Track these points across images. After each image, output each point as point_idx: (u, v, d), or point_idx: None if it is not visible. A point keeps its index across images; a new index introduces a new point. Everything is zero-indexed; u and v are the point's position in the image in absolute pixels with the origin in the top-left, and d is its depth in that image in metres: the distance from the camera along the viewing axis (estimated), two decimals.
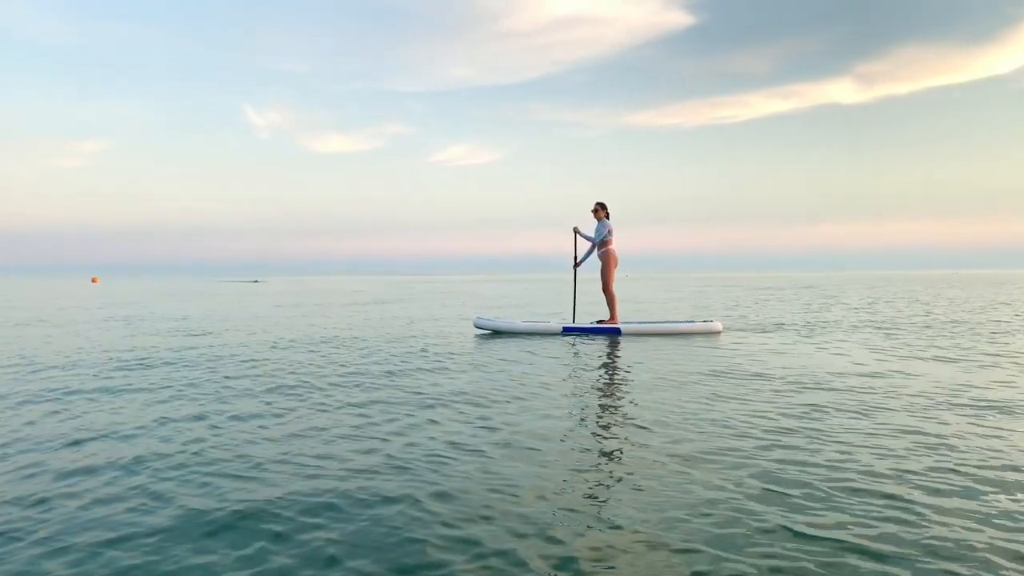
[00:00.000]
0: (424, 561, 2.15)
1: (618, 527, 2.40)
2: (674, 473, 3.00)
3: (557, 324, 9.46)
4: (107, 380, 5.65)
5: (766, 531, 2.35)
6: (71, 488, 2.85)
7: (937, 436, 3.60)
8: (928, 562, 2.10)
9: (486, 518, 2.49)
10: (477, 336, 9.12)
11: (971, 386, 5.08)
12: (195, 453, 3.38)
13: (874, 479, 2.89)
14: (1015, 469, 3.02)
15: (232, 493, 2.78)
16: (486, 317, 9.90)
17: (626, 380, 5.49)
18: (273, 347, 8.03)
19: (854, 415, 4.11)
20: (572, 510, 2.56)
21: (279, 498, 2.71)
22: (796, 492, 2.73)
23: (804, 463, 3.13)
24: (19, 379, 5.74)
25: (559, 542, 2.28)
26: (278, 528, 2.41)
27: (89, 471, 3.09)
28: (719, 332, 9.31)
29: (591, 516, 2.51)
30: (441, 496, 2.72)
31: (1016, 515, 2.47)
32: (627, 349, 7.63)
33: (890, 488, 2.77)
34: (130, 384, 5.44)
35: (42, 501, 2.70)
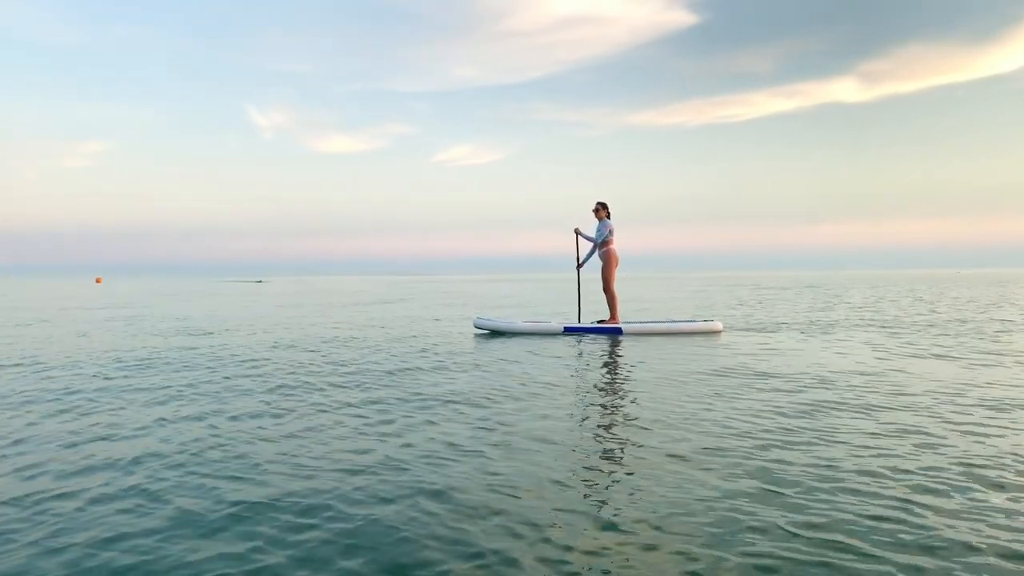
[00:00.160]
0: (422, 561, 2.14)
1: (618, 527, 2.39)
2: (675, 473, 2.98)
3: (558, 324, 9.45)
4: (108, 380, 5.66)
5: (767, 531, 2.34)
6: (69, 488, 2.85)
7: (940, 436, 3.58)
8: (929, 562, 2.09)
9: (485, 518, 2.48)
10: (477, 336, 9.12)
11: (975, 385, 5.06)
12: (193, 453, 3.37)
13: (876, 479, 2.87)
14: (1018, 469, 3.00)
15: (230, 493, 2.77)
16: (486, 317, 9.90)
17: (627, 380, 5.48)
18: (274, 347, 8.03)
19: (856, 414, 4.10)
20: (571, 510, 2.55)
21: (277, 498, 2.71)
22: (797, 492, 2.72)
23: (805, 463, 3.11)
24: (20, 379, 5.75)
25: (559, 542, 2.27)
26: (276, 528, 2.40)
27: (87, 471, 3.09)
28: (720, 331, 9.32)
29: (591, 516, 2.50)
30: (440, 496, 2.71)
31: (1019, 515, 2.46)
32: (628, 349, 7.62)
33: (892, 488, 2.76)
34: (131, 384, 5.45)
35: (39, 501, 2.70)
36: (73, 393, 5.06)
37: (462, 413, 4.26)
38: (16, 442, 3.63)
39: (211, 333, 9.97)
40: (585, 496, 2.71)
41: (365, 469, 3.09)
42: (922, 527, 2.36)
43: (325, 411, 4.35)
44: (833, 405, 4.37)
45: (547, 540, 2.29)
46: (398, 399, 4.73)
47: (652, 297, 21.26)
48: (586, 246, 10.01)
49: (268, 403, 4.62)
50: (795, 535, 2.30)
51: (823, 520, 2.43)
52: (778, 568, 2.06)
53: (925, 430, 3.70)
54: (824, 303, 16.85)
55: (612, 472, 3.01)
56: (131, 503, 2.67)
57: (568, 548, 2.23)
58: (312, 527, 2.41)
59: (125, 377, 5.83)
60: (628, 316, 12.47)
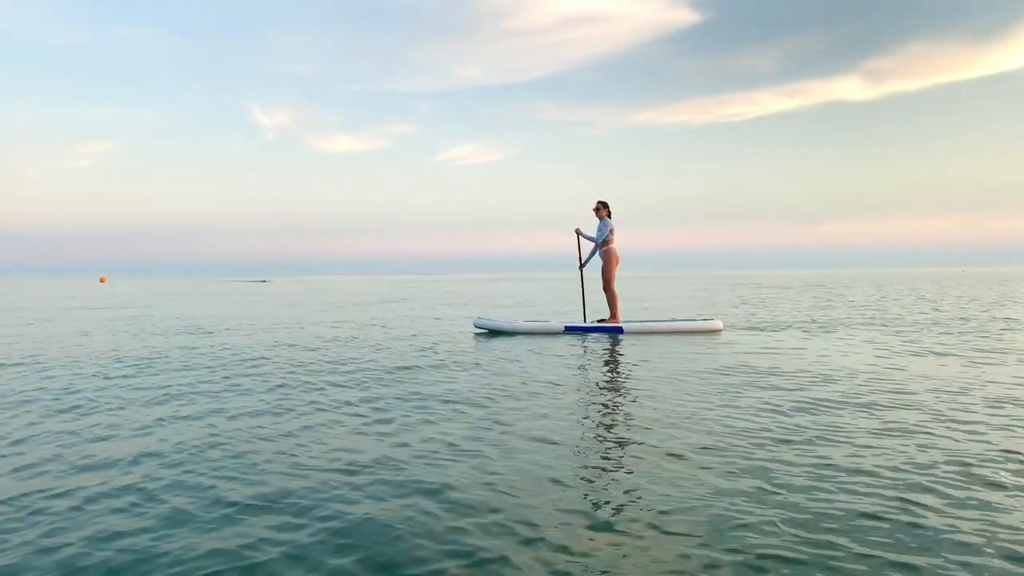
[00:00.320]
0: (419, 560, 2.13)
1: (618, 526, 2.38)
2: (674, 472, 2.98)
3: (559, 323, 9.45)
4: (108, 380, 5.67)
5: (767, 530, 2.33)
6: (65, 486, 2.85)
7: (940, 434, 3.57)
8: (929, 561, 2.08)
9: (483, 517, 2.48)
10: (478, 336, 9.12)
11: (977, 383, 5.04)
12: (191, 452, 3.37)
13: (876, 478, 2.86)
14: (1018, 469, 2.99)
15: (227, 492, 2.77)
16: (486, 317, 9.89)
17: (628, 379, 5.48)
18: (275, 346, 8.04)
19: (857, 413, 4.08)
20: (571, 509, 2.55)
21: (274, 497, 2.71)
22: (797, 491, 2.71)
23: (806, 462, 3.10)
24: (21, 378, 5.76)
25: (558, 541, 2.26)
26: (272, 526, 2.40)
27: (85, 469, 3.09)
28: (720, 330, 9.33)
29: (590, 515, 2.49)
30: (437, 495, 2.71)
31: (1019, 513, 2.45)
32: (629, 348, 7.61)
33: (892, 487, 2.75)
34: (131, 384, 5.45)
35: (37, 499, 2.70)
36: (73, 392, 5.07)
37: (462, 412, 4.25)
38: (15, 441, 3.63)
39: (213, 333, 9.99)
40: (585, 495, 2.70)
41: (363, 468, 3.09)
42: (922, 526, 2.35)
43: (324, 410, 4.36)
44: (834, 403, 4.36)
45: (546, 539, 2.28)
46: (397, 398, 4.73)
47: (654, 296, 21.24)
48: (588, 246, 10.00)
49: (267, 402, 4.62)
50: (795, 534, 2.29)
51: (823, 519, 2.42)
52: (778, 567, 2.06)
53: (926, 429, 3.69)
54: (826, 302, 16.81)
55: (612, 471, 3.01)
56: (128, 501, 2.67)
57: (567, 547, 2.22)
58: (309, 526, 2.41)
59: (125, 376, 5.83)
60: (630, 315, 12.46)
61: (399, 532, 2.35)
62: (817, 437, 3.53)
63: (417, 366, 6.30)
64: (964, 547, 2.18)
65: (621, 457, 3.22)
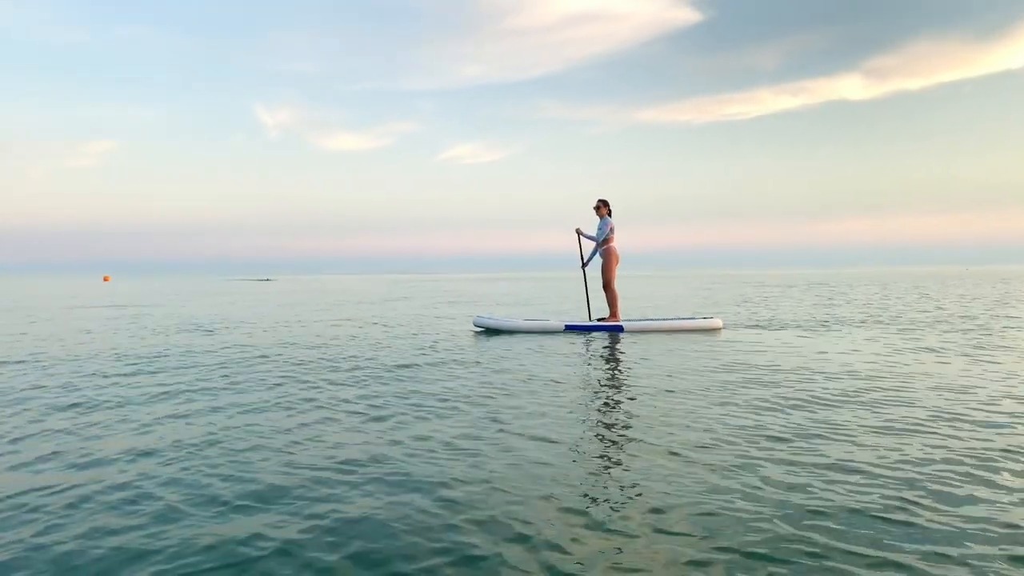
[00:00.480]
0: (415, 557, 2.14)
1: (615, 525, 2.38)
2: (674, 471, 2.98)
3: (559, 322, 9.45)
4: (106, 378, 5.68)
5: (765, 528, 2.33)
6: (61, 485, 2.86)
7: (941, 432, 3.56)
8: (926, 560, 2.08)
9: (480, 515, 2.48)
10: (478, 335, 9.12)
11: (981, 381, 5.03)
12: (188, 450, 3.38)
13: (875, 476, 2.86)
14: (1017, 469, 2.99)
15: (222, 490, 2.78)
16: (486, 315, 9.88)
17: (628, 378, 5.47)
18: (276, 345, 8.05)
19: (858, 411, 4.08)
20: (568, 508, 2.55)
21: (269, 496, 2.71)
22: (795, 489, 2.71)
23: (805, 461, 3.10)
24: (21, 376, 5.78)
25: (555, 540, 2.26)
26: (266, 525, 2.40)
27: (82, 468, 3.10)
28: (720, 329, 9.33)
29: (588, 513, 2.49)
30: (434, 494, 2.71)
31: (1020, 512, 2.44)
32: (629, 347, 7.61)
33: (891, 485, 2.74)
34: (131, 381, 5.47)
35: (31, 497, 2.71)
36: (73, 390, 5.08)
37: (460, 410, 4.26)
38: (13, 440, 3.64)
39: (214, 331, 10.00)
40: (583, 494, 2.70)
41: (360, 466, 3.09)
42: (923, 525, 2.35)
43: (322, 408, 4.36)
44: (833, 401, 4.36)
45: (543, 537, 2.28)
46: (395, 396, 4.74)
47: (657, 295, 21.22)
48: (589, 246, 9.97)
49: (266, 400, 4.63)
50: (793, 532, 2.29)
51: (821, 516, 2.42)
52: (775, 564, 2.06)
53: (927, 426, 3.68)
54: (828, 300, 16.78)
55: (610, 469, 3.01)
56: (122, 498, 2.67)
57: (564, 545, 2.22)
58: (304, 523, 2.41)
59: (125, 375, 5.85)
60: (631, 314, 12.45)
61: (394, 529, 2.36)
62: (816, 435, 3.53)
63: (416, 364, 6.31)
64: (965, 545, 2.18)
65: (620, 455, 3.22)
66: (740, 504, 2.54)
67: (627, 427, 3.77)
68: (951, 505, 2.52)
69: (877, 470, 2.94)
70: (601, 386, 5.09)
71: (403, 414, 4.16)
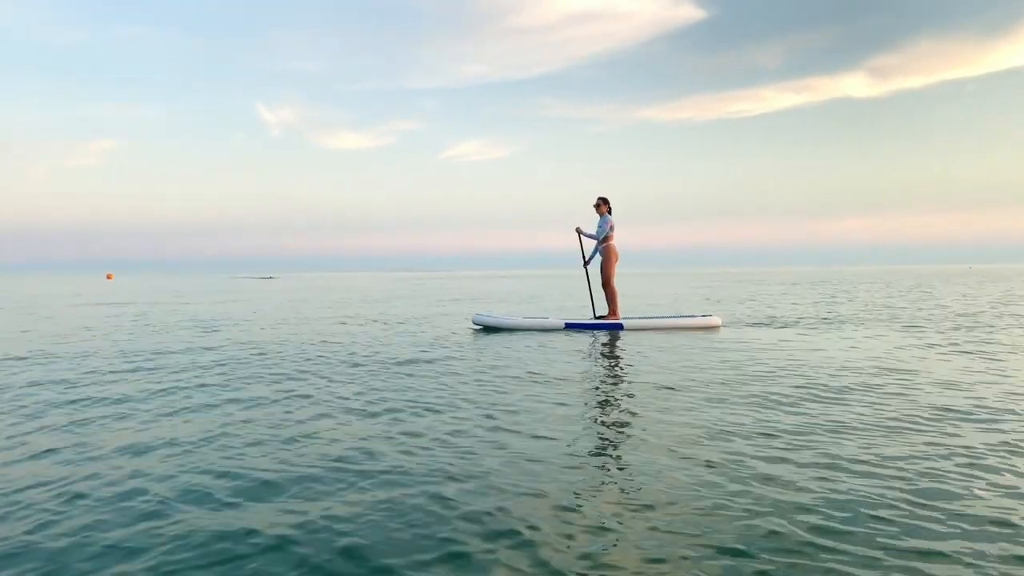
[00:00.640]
0: (407, 554, 2.14)
1: (612, 523, 2.39)
2: (674, 469, 2.98)
3: (559, 320, 9.45)
4: (104, 374, 5.69)
5: (761, 523, 2.33)
6: (57, 480, 2.87)
7: (946, 431, 3.56)
8: (931, 559, 2.08)
9: (474, 511, 2.48)
10: (478, 332, 9.12)
11: (983, 378, 5.03)
12: (186, 448, 3.39)
13: (876, 475, 2.86)
14: (1017, 470, 2.99)
15: (217, 490, 2.79)
16: (485, 313, 9.87)
17: (628, 375, 5.48)
18: (277, 342, 8.06)
19: (856, 407, 4.07)
20: (566, 506, 2.54)
21: (262, 492, 2.72)
22: (794, 486, 2.71)
23: (803, 458, 3.10)
24: (23, 372, 5.80)
25: (551, 536, 2.26)
26: (260, 521, 2.41)
27: (80, 463, 3.11)
28: (718, 327, 9.35)
29: (585, 512, 2.49)
30: (429, 491, 2.72)
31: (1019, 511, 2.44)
32: (629, 344, 7.62)
33: (890, 481, 2.74)
34: (130, 378, 5.48)
35: (28, 493, 2.73)
36: (72, 387, 5.09)
37: (457, 408, 4.26)
38: (10, 436, 3.66)
39: (217, 329, 10.02)
40: (580, 491, 2.70)
41: (355, 462, 3.10)
42: (919, 523, 2.35)
43: (318, 404, 4.37)
44: (830, 398, 4.35)
45: (538, 533, 2.28)
46: (393, 393, 4.74)
47: (658, 293, 21.21)
48: (590, 244, 9.96)
49: (263, 396, 4.64)
50: (790, 527, 2.29)
51: (818, 513, 2.42)
52: (773, 561, 2.06)
53: (925, 423, 3.68)
54: (830, 298, 16.76)
55: (607, 466, 3.01)
56: (117, 493, 2.69)
57: (560, 541, 2.22)
58: (297, 521, 2.42)
59: (123, 371, 5.86)
60: (633, 312, 12.45)
61: (388, 526, 2.36)
62: (814, 431, 3.53)
63: (414, 362, 6.32)
64: (964, 542, 2.18)
65: (617, 451, 3.22)
66: (738, 500, 2.55)
67: (624, 424, 3.77)
68: (951, 502, 2.52)
69: (876, 467, 2.94)
70: (600, 383, 5.09)
71: (399, 411, 4.17)
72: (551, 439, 3.47)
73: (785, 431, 3.57)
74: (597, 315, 9.91)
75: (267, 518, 2.43)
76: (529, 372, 5.64)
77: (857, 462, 3.01)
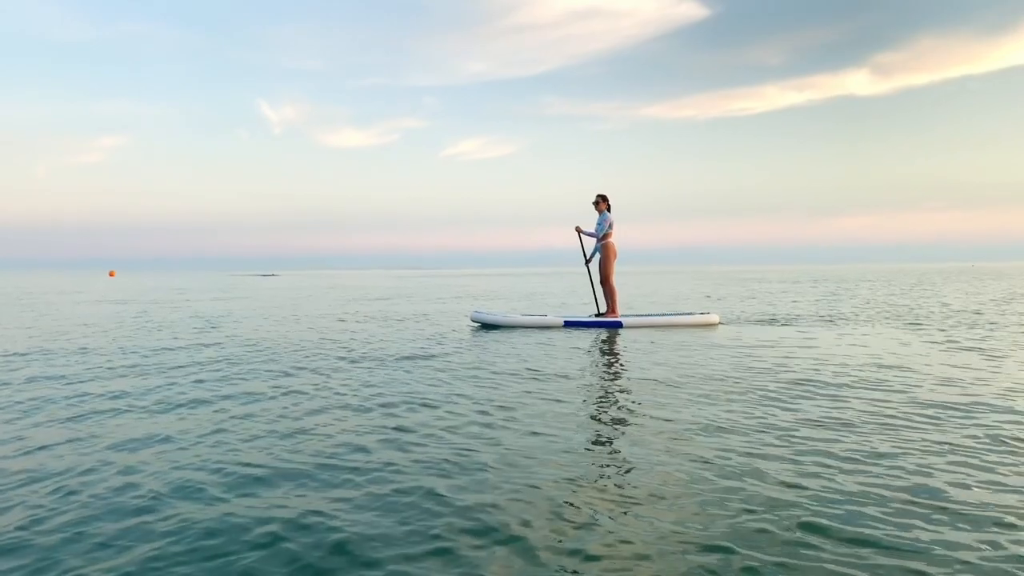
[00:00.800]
0: (398, 549, 2.15)
1: (606, 521, 2.39)
2: (671, 465, 2.98)
3: (558, 317, 9.45)
4: (106, 369, 5.71)
5: (762, 522, 2.33)
6: (83, 478, 2.88)
7: (945, 429, 3.55)
8: (929, 557, 2.08)
9: (468, 507, 2.48)
10: (476, 330, 9.12)
11: (986, 377, 5.01)
12: (204, 446, 3.40)
13: (873, 471, 2.86)
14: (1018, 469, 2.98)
15: (243, 485, 2.79)
16: (484, 311, 9.87)
17: (625, 373, 5.48)
18: (277, 338, 8.07)
19: (854, 404, 4.06)
20: (564, 503, 2.54)
21: (253, 490, 2.72)
22: (790, 482, 2.71)
23: (799, 454, 3.10)
24: (24, 369, 5.81)
25: (547, 535, 2.26)
26: (252, 519, 2.41)
27: (102, 462, 3.12)
28: (716, 324, 9.38)
29: (580, 509, 2.49)
30: (421, 488, 2.72)
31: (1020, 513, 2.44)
32: (628, 342, 7.61)
33: (893, 478, 2.74)
34: (131, 373, 5.49)
35: (23, 490, 2.73)
36: (70, 384, 5.10)
37: (452, 405, 4.26)
38: (7, 432, 3.67)
39: (215, 325, 10.04)
40: (575, 488, 2.70)
41: (347, 458, 3.10)
42: (916, 519, 2.35)
43: (313, 399, 4.37)
44: (826, 393, 4.34)
45: (532, 531, 2.28)
46: (388, 389, 4.74)
47: (660, 291, 21.20)
48: (590, 242, 9.96)
49: (259, 392, 4.64)
50: (787, 522, 2.29)
51: (814, 509, 2.42)
52: (770, 557, 2.06)
53: (924, 420, 3.67)
54: (832, 296, 16.73)
55: (604, 462, 3.01)
56: (136, 491, 2.69)
57: (554, 539, 2.22)
58: (288, 516, 2.42)
59: (122, 367, 5.87)
60: (634, 309, 12.44)
61: (380, 523, 2.36)
62: (808, 427, 3.52)
63: (411, 359, 6.32)
64: (962, 542, 2.18)
65: (613, 448, 3.22)
66: (732, 496, 2.54)
67: (620, 420, 3.77)
68: (948, 499, 2.51)
69: (872, 464, 2.93)
70: (597, 380, 5.09)
71: (394, 405, 4.17)
72: (546, 435, 3.47)
73: (780, 427, 3.56)
74: (596, 313, 9.91)
75: (260, 513, 2.43)
76: (526, 369, 5.64)
77: (853, 459, 3.01)
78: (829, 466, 2.92)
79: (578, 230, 9.76)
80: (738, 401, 4.25)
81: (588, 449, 3.22)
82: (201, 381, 5.18)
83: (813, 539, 2.18)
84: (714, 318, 9.48)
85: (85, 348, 7.37)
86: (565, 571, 1.99)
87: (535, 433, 3.52)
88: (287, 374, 5.50)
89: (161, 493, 2.65)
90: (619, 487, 2.68)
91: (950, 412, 3.89)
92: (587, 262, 9.81)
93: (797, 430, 3.52)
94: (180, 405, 4.30)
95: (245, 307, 14.76)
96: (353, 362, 6.15)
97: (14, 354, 6.90)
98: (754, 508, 2.44)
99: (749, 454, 3.10)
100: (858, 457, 3.04)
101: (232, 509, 2.48)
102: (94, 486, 2.74)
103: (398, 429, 3.64)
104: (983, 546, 2.12)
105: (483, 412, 4.02)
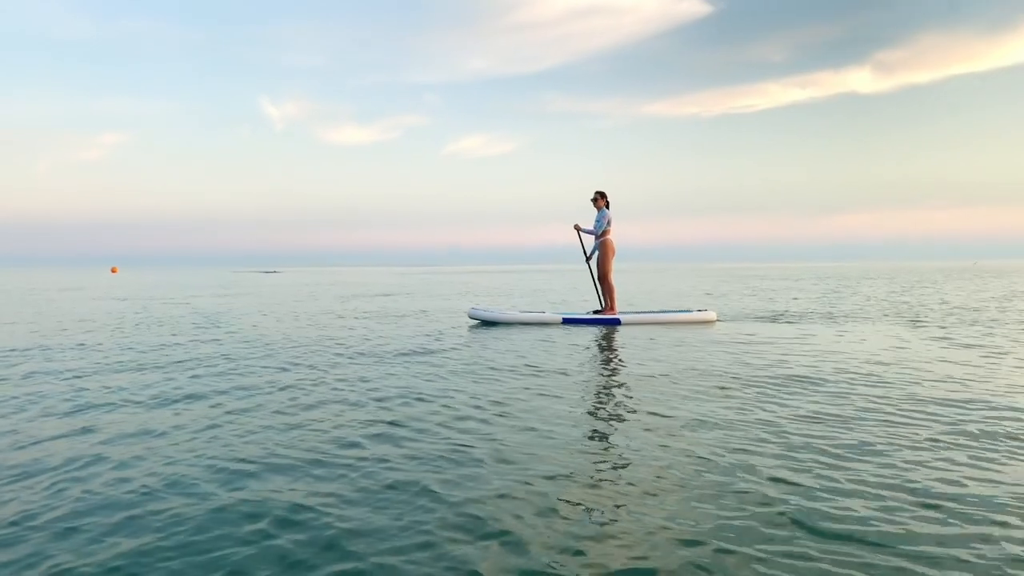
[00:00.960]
0: (390, 545, 2.15)
1: (602, 517, 2.39)
2: (668, 461, 2.99)
3: (556, 314, 9.45)
4: (108, 366, 5.73)
5: (758, 516, 2.33)
6: (79, 473, 2.90)
7: (945, 427, 3.55)
8: (939, 557, 2.09)
9: (461, 502, 2.49)
10: (475, 327, 9.13)
11: (988, 374, 5.01)
12: (200, 441, 3.42)
13: (869, 466, 2.86)
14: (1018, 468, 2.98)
15: (239, 479, 2.80)
16: (481, 308, 9.87)
17: (624, 370, 5.48)
18: (272, 335, 8.09)
19: (852, 400, 4.06)
20: (558, 499, 2.54)
21: (245, 487, 2.74)
22: (786, 478, 2.72)
23: (795, 455, 3.10)
24: (24, 364, 5.83)
25: (542, 532, 2.26)
26: (252, 519, 2.42)
27: (97, 458, 3.14)
28: (714, 321, 9.41)
29: (575, 506, 2.49)
30: (419, 486, 2.73)
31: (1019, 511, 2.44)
32: (626, 339, 7.62)
33: (907, 481, 2.75)
34: (130, 370, 5.51)
35: (47, 484, 2.75)
36: (68, 378, 5.13)
37: (451, 400, 4.27)
38: (22, 432, 3.69)
39: (215, 322, 10.06)
40: (570, 485, 2.70)
41: (339, 454, 3.11)
42: (931, 519, 2.35)
43: (309, 395, 4.38)
44: (823, 389, 4.34)
45: (526, 529, 2.28)
46: (386, 386, 4.75)
47: (661, 289, 21.18)
48: (589, 239, 9.96)
49: (258, 389, 4.65)
50: (784, 518, 2.30)
51: (830, 512, 2.42)
52: (767, 554, 2.07)
53: (920, 418, 3.67)
54: (833, 293, 16.71)
55: (599, 459, 3.01)
56: (140, 487, 2.70)
57: (549, 536, 2.22)
58: (277, 514, 2.43)
59: (120, 363, 5.89)
60: (631, 306, 12.45)
61: (372, 518, 2.36)
62: (803, 423, 3.53)
63: (410, 354, 6.33)
64: (961, 536, 2.18)
65: (609, 444, 3.22)
66: (727, 493, 2.54)
67: (616, 417, 3.77)
68: (943, 495, 2.51)
69: (869, 462, 2.93)
70: (593, 376, 5.10)
71: (388, 399, 4.18)
72: (542, 431, 3.47)
73: (775, 423, 3.57)
74: (593, 310, 9.92)
75: (252, 508, 2.44)
76: (524, 365, 5.65)
77: (848, 455, 3.01)
78: (824, 462, 2.92)
79: (577, 228, 9.76)
80: (734, 397, 4.26)
81: (583, 445, 3.23)
82: (198, 376, 5.20)
83: (807, 534, 2.18)
84: (711, 315, 9.51)
85: (84, 344, 7.39)
86: (558, 566, 2.00)
87: (530, 429, 3.53)
88: (284, 370, 5.52)
89: (153, 488, 2.66)
90: (613, 483, 2.69)
91: (948, 409, 3.89)
92: (588, 259, 9.82)
93: (793, 426, 3.53)
94: (176, 400, 4.32)
95: (246, 304, 14.79)
96: (350, 358, 6.16)
97: (12, 350, 6.92)
98: (748, 503, 2.44)
99: (744, 450, 3.11)
100: (853, 454, 3.04)
101: (224, 504, 2.49)
102: (86, 481, 2.75)
103: (393, 424, 3.65)
104: (977, 543, 2.12)
105: (479, 408, 4.03)
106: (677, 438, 3.33)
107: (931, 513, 2.35)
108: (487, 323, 9.47)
